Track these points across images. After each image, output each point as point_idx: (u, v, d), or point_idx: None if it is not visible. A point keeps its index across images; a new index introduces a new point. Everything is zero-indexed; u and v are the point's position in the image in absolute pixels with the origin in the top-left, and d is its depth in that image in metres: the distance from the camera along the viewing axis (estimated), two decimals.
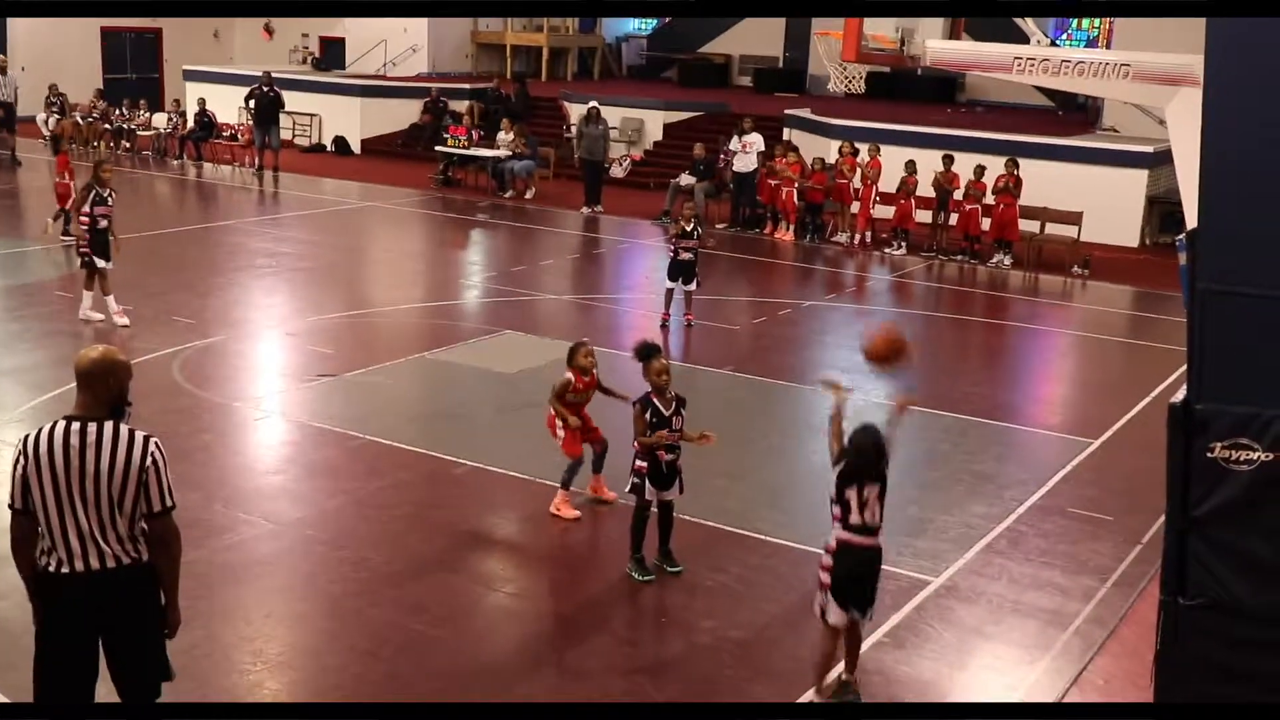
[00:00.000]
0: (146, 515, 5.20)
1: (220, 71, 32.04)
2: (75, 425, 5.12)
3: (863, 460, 6.68)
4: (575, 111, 28.63)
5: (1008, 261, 19.84)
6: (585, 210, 22.91)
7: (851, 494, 6.65)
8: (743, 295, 17.46)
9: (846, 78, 13.98)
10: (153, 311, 14.44)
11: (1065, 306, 18.30)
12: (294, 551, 8.63)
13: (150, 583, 5.30)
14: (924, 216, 20.67)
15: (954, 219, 20.46)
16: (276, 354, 13.62)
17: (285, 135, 28.21)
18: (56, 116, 29.18)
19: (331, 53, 35.58)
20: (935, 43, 11.93)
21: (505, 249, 20.33)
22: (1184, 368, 5.97)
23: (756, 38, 36.26)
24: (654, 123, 27.95)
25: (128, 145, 28.28)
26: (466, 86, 30.98)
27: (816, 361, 14.39)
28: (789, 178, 21.30)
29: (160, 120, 28.85)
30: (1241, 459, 5.44)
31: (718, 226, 21.72)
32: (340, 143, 29.88)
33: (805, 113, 25.63)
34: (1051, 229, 20.22)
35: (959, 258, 20.10)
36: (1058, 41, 32.52)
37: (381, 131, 29.95)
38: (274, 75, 27.52)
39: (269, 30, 36.58)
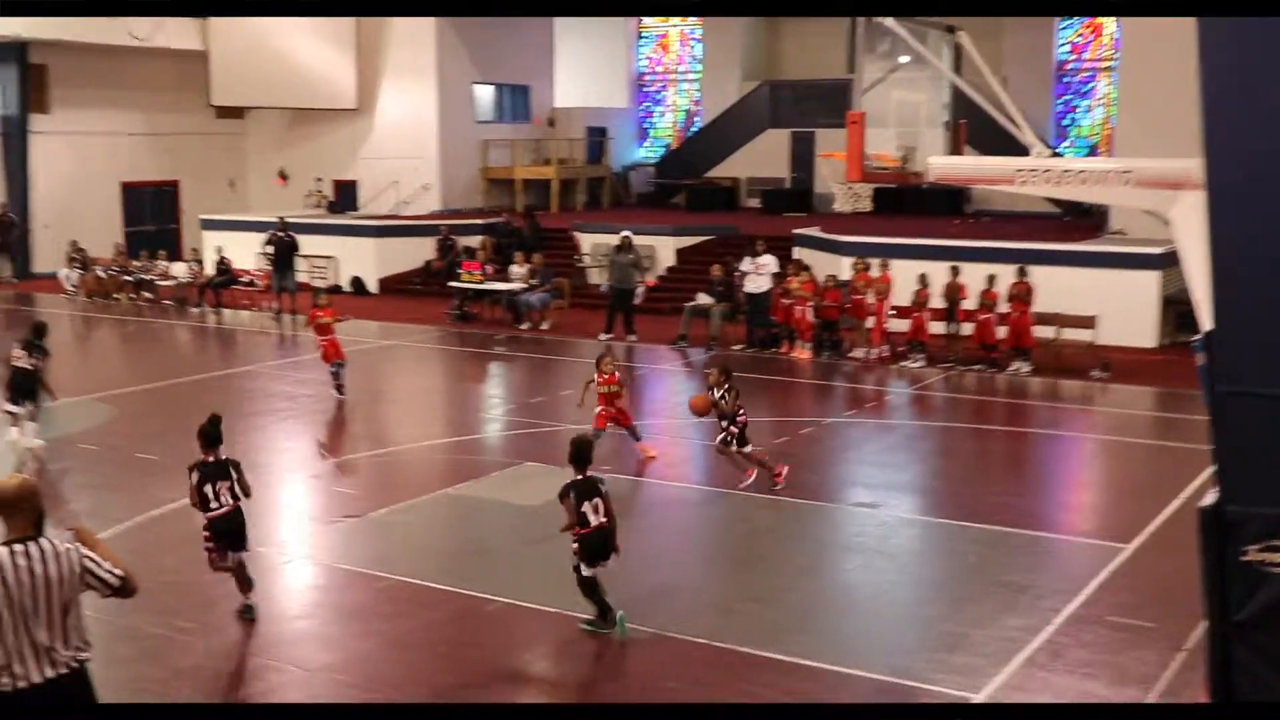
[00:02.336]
0: (111, 594, 5.88)
1: (236, 220, 32.61)
2: (18, 548, 5.60)
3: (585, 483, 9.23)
4: (587, 241, 29.01)
5: (1026, 368, 19.84)
6: (603, 338, 23.02)
7: (587, 508, 9.14)
8: (763, 415, 17.44)
9: (853, 196, 14.16)
10: (176, 459, 14.39)
11: (1087, 411, 18.24)
12: (324, 698, 8.54)
13: (89, 682, 5.84)
14: (939, 328, 20.75)
15: (968, 328, 20.53)
16: (300, 497, 13.63)
17: (302, 278, 28.57)
18: (79, 271, 29.71)
19: (345, 195, 36.21)
20: (937, 159, 12.11)
21: (524, 381, 20.43)
22: (1212, 468, 5.93)
23: (762, 160, 36.83)
24: (666, 249, 28.25)
25: (149, 295, 28.68)
26: (479, 222, 31.38)
27: (841, 479, 14.34)
28: (803, 296, 21.45)
29: (180, 269, 29.28)
30: (1278, 561, 5.39)
31: (734, 348, 21.84)
32: (357, 283, 30.24)
33: (814, 231, 25.89)
34: (1068, 334, 20.26)
35: (977, 367, 20.11)
36: (1059, 151, 32.97)
37: (398, 270, 30.32)
38: (289, 220, 28.01)
39: (283, 177, 37.31)
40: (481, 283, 25.76)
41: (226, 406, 17.81)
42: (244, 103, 36.39)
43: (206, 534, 9.58)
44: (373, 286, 30.17)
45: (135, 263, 29.64)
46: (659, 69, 42.27)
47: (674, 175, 38.90)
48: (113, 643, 9.25)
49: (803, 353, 21.46)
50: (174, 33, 33.30)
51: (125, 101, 34.87)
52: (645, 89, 42.51)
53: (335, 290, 30.20)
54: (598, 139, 39.84)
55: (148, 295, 28.73)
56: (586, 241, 29.16)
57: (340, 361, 17.95)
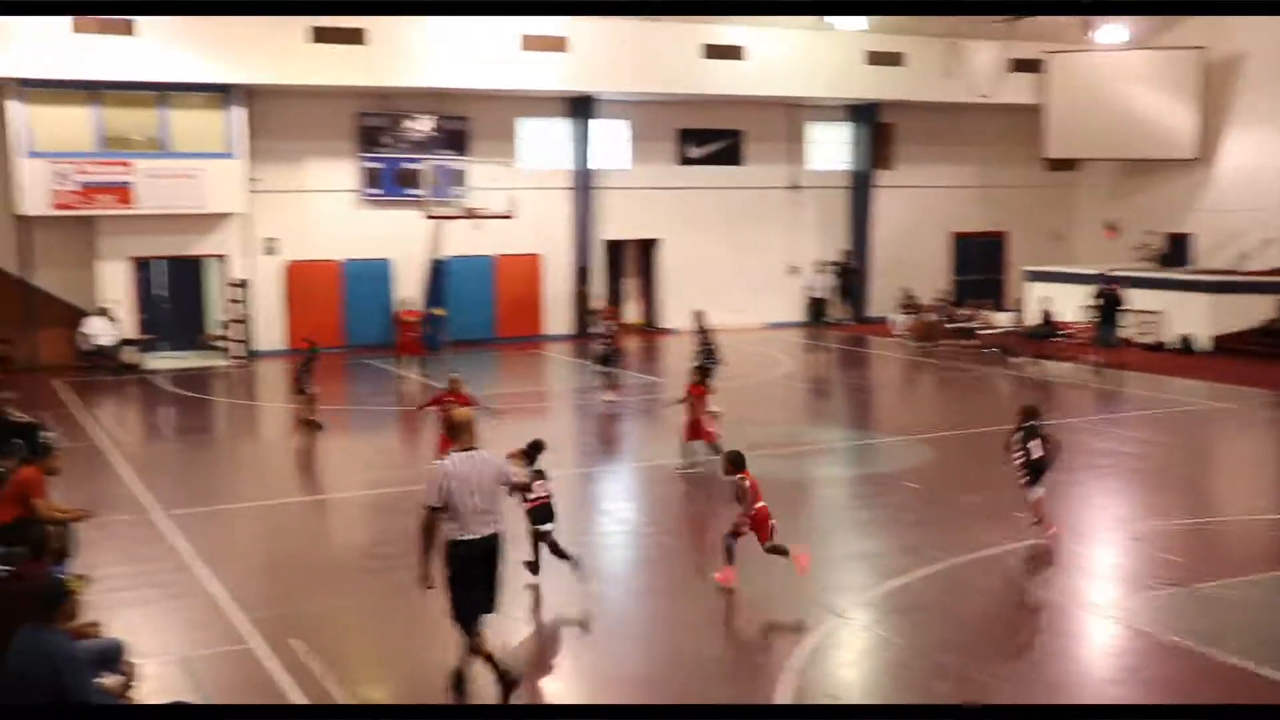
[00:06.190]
0: (513, 491, 9.65)
1: (1059, 271, 32.37)
2: (465, 453, 8.85)
3: None
4: None
5: None
6: None
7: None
8: None
9: None
10: (998, 505, 14.39)
11: None
12: None
13: (503, 540, 8.98)
14: None
15: None
16: (1115, 556, 13.02)
17: (1126, 333, 27.63)
18: (909, 316, 31.22)
19: (1177, 248, 34.54)
20: None
21: None
22: None
23: None
24: None
25: (971, 343, 29.34)
26: None
27: None
28: None
29: (1003, 318, 29.63)
30: None
31: None
32: (1185, 341, 28.65)
33: None
34: None
35: None
36: None
37: (1233, 328, 28.26)
38: (1115, 273, 27.20)
39: (1112, 229, 36.46)
40: None
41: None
42: (1077, 154, 36.21)
43: None
44: (1204, 344, 28.38)
45: (960, 310, 30.51)
46: None
47: None
48: (929, 678, 9.39)
49: None
50: (1014, 88, 34.10)
51: (959, 156, 36.22)
52: None
53: (1158, 348, 28.86)
54: None
55: (969, 342, 29.39)
56: None
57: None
